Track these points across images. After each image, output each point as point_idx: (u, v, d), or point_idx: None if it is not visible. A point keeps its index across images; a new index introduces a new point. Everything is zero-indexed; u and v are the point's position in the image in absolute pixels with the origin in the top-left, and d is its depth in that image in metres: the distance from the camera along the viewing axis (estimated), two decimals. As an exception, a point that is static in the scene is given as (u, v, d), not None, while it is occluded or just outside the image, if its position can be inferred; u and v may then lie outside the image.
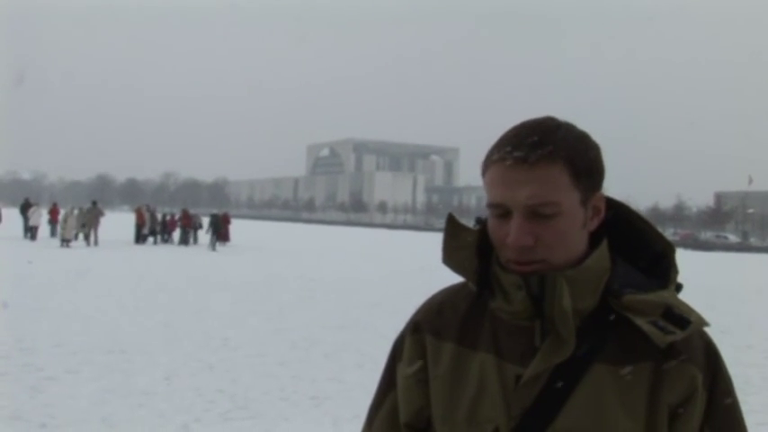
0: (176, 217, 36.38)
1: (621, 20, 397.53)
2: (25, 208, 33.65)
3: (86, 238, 30.21)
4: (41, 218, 33.68)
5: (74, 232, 29.14)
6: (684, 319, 1.16)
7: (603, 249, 1.23)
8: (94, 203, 32.09)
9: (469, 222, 1.38)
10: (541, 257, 1.18)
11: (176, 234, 35.30)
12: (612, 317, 1.20)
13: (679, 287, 1.25)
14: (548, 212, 1.16)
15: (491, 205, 1.21)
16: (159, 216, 35.75)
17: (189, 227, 34.69)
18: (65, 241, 28.71)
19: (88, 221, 30.75)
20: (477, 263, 1.27)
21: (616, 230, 1.27)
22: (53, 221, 35.13)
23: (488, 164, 1.21)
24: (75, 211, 30.51)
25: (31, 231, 32.85)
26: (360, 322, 12.12)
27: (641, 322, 1.16)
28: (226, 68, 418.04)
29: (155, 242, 33.63)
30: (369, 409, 1.41)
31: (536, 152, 1.16)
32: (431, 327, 1.34)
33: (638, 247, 1.27)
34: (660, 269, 1.24)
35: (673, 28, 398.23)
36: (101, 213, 31.51)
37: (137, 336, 9.95)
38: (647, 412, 1.16)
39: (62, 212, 29.42)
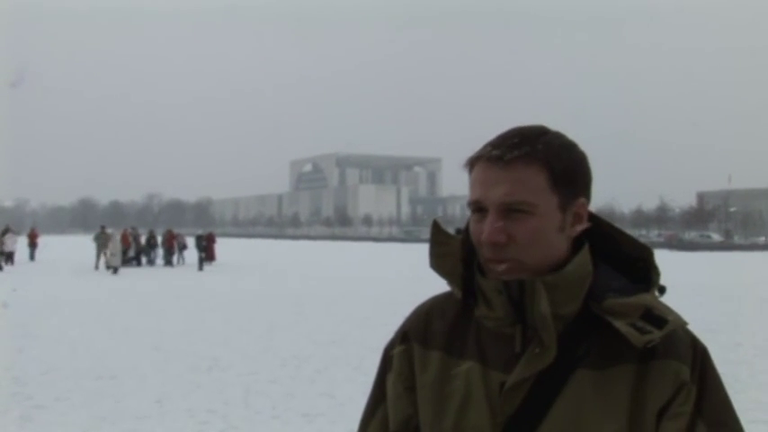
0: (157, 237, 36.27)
1: (605, 21, 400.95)
2: (3, 234, 34.54)
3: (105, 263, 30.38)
4: (16, 243, 34.90)
5: (118, 257, 29.03)
6: (662, 319, 1.17)
7: (585, 255, 1.24)
8: (103, 228, 32.18)
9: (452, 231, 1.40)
10: (514, 256, 1.19)
11: (160, 255, 35.16)
12: (593, 320, 1.21)
13: (663, 289, 1.26)
14: (521, 211, 1.18)
15: (469, 203, 1.24)
16: (143, 238, 35.56)
17: (172, 248, 34.54)
18: (112, 268, 28.47)
19: (98, 246, 31.02)
20: (462, 270, 1.30)
21: (599, 238, 1.28)
22: (32, 245, 37.84)
23: (470, 162, 1.25)
24: (117, 237, 30.15)
25: (7, 257, 33.44)
26: (349, 337, 12.10)
27: (620, 324, 1.17)
28: (205, 88, 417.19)
29: (138, 264, 33.44)
30: (361, 419, 1.41)
31: (512, 152, 1.19)
32: (418, 336, 1.35)
33: (618, 253, 1.28)
34: (643, 272, 1.25)
35: (652, 30, 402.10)
36: (109, 238, 31.38)
37: (126, 360, 9.89)
38: (631, 414, 1.17)
39: (113, 241, 29.39)
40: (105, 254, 30.50)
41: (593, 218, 1.29)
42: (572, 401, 1.18)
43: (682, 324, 1.20)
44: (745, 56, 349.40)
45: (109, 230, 32.42)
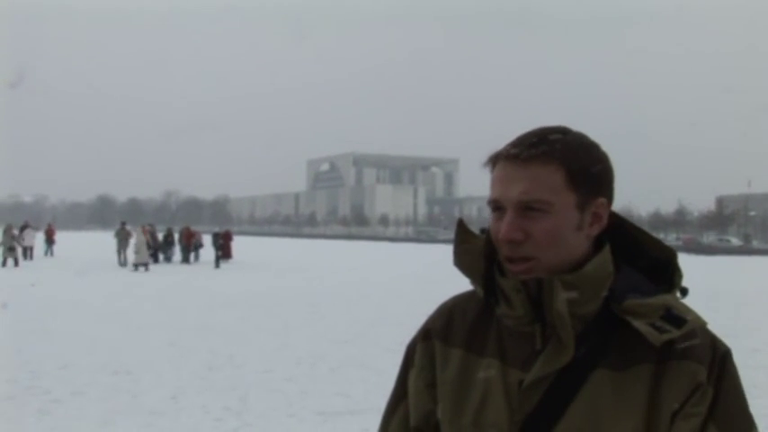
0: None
1: (621, 22, 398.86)
2: (22, 230, 35.53)
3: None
4: (35, 239, 35.86)
5: (149, 253, 29.31)
6: (681, 319, 1.18)
7: (605, 255, 1.24)
8: (123, 224, 32.40)
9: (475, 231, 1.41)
10: (531, 254, 1.21)
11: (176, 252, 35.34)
12: (613, 321, 1.21)
13: (685, 291, 1.26)
14: (538, 210, 1.19)
15: (489, 201, 1.26)
16: (160, 235, 35.68)
17: (190, 245, 34.66)
18: (139, 265, 28.65)
19: (119, 242, 31.32)
20: (484, 269, 1.31)
21: (622, 240, 1.29)
22: (50, 241, 38.73)
23: (491, 161, 1.27)
24: (141, 233, 29.86)
25: (26, 251, 34.51)
26: (365, 336, 12.12)
27: (639, 324, 1.17)
28: (224, 86, 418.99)
29: (155, 261, 33.60)
30: (383, 415, 1.44)
31: (530, 151, 1.21)
32: (440, 333, 1.38)
33: (642, 255, 1.28)
34: (666, 275, 1.26)
35: (670, 30, 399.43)
36: (129, 234, 31.57)
37: (142, 355, 9.95)
38: (647, 415, 1.17)
39: (137, 236, 29.62)
40: (124, 251, 30.78)
41: (617, 219, 1.30)
42: (590, 401, 1.18)
43: (701, 324, 1.21)
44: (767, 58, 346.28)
45: (128, 227, 32.67)
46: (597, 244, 1.26)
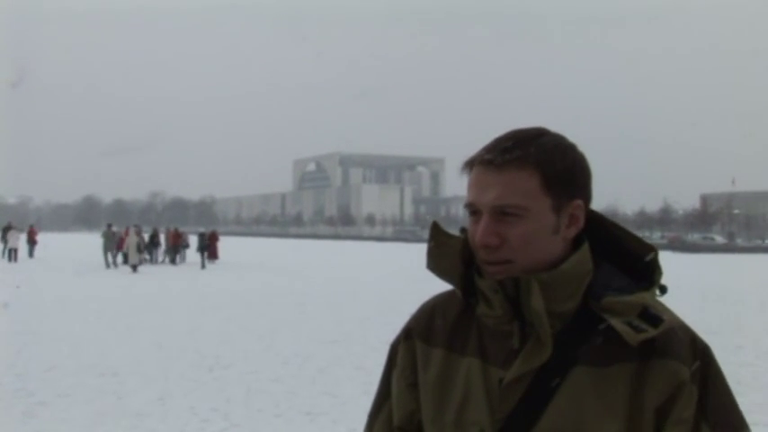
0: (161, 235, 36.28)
1: (607, 23, 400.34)
2: (5, 231, 35.69)
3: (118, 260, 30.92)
4: (19, 240, 35.61)
5: (138, 256, 29.38)
6: (658, 318, 1.18)
7: (583, 253, 1.24)
8: (110, 226, 32.37)
9: (456, 232, 1.41)
10: (507, 258, 1.21)
11: (161, 253, 35.27)
12: (593, 318, 1.21)
13: (664, 289, 1.26)
14: (513, 215, 1.20)
15: (465, 205, 1.27)
16: (146, 236, 35.49)
17: (178, 245, 34.56)
18: (132, 266, 28.72)
19: (105, 243, 31.30)
20: (462, 270, 1.31)
21: (603, 238, 1.29)
22: (31, 242, 38.67)
23: (467, 165, 1.27)
24: (133, 235, 29.93)
25: (10, 253, 34.53)
26: (352, 336, 12.11)
27: (615, 322, 1.18)
28: (209, 86, 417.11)
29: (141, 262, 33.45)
30: (368, 415, 1.45)
31: (504, 156, 1.21)
32: (421, 333, 1.39)
33: (623, 253, 1.28)
34: (646, 272, 1.26)
35: (654, 30, 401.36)
36: (115, 235, 31.53)
37: (129, 357, 9.90)
38: (629, 412, 1.17)
39: (129, 238, 29.59)
40: (111, 252, 30.71)
41: (598, 218, 1.30)
42: (570, 398, 1.19)
43: (678, 323, 1.21)
44: (750, 58, 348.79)
45: (114, 228, 32.56)
46: (576, 243, 1.26)
